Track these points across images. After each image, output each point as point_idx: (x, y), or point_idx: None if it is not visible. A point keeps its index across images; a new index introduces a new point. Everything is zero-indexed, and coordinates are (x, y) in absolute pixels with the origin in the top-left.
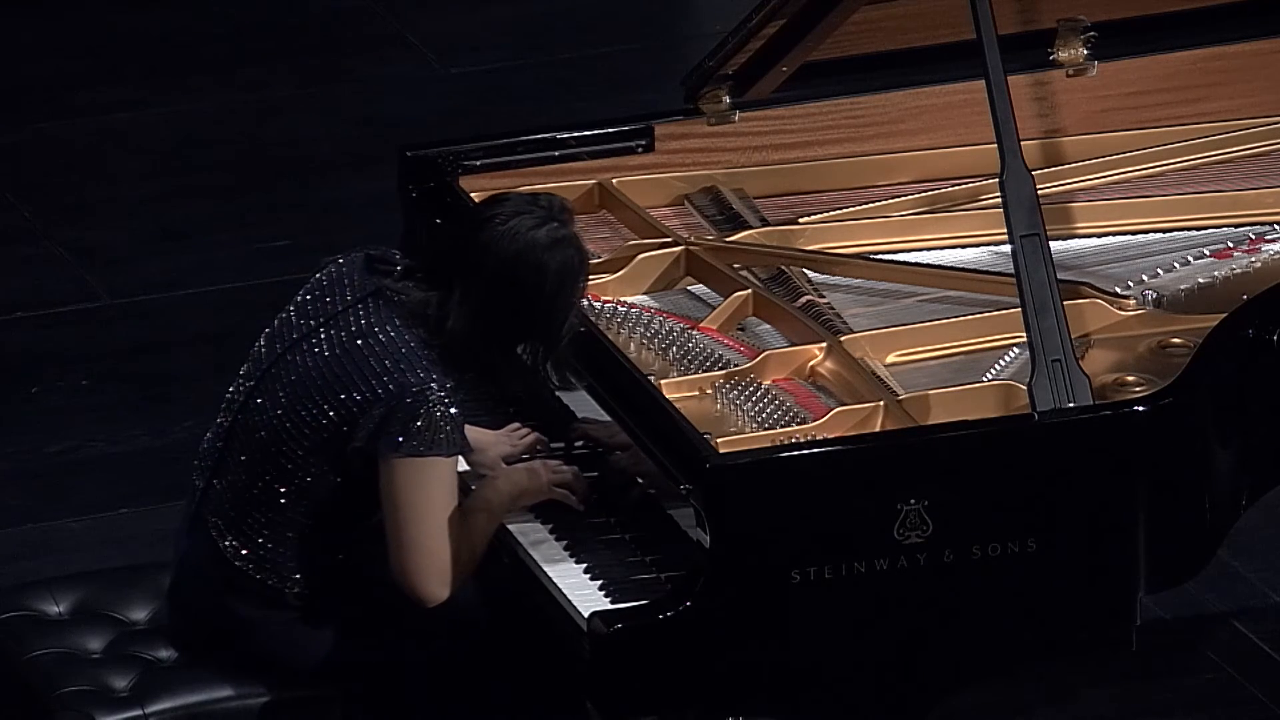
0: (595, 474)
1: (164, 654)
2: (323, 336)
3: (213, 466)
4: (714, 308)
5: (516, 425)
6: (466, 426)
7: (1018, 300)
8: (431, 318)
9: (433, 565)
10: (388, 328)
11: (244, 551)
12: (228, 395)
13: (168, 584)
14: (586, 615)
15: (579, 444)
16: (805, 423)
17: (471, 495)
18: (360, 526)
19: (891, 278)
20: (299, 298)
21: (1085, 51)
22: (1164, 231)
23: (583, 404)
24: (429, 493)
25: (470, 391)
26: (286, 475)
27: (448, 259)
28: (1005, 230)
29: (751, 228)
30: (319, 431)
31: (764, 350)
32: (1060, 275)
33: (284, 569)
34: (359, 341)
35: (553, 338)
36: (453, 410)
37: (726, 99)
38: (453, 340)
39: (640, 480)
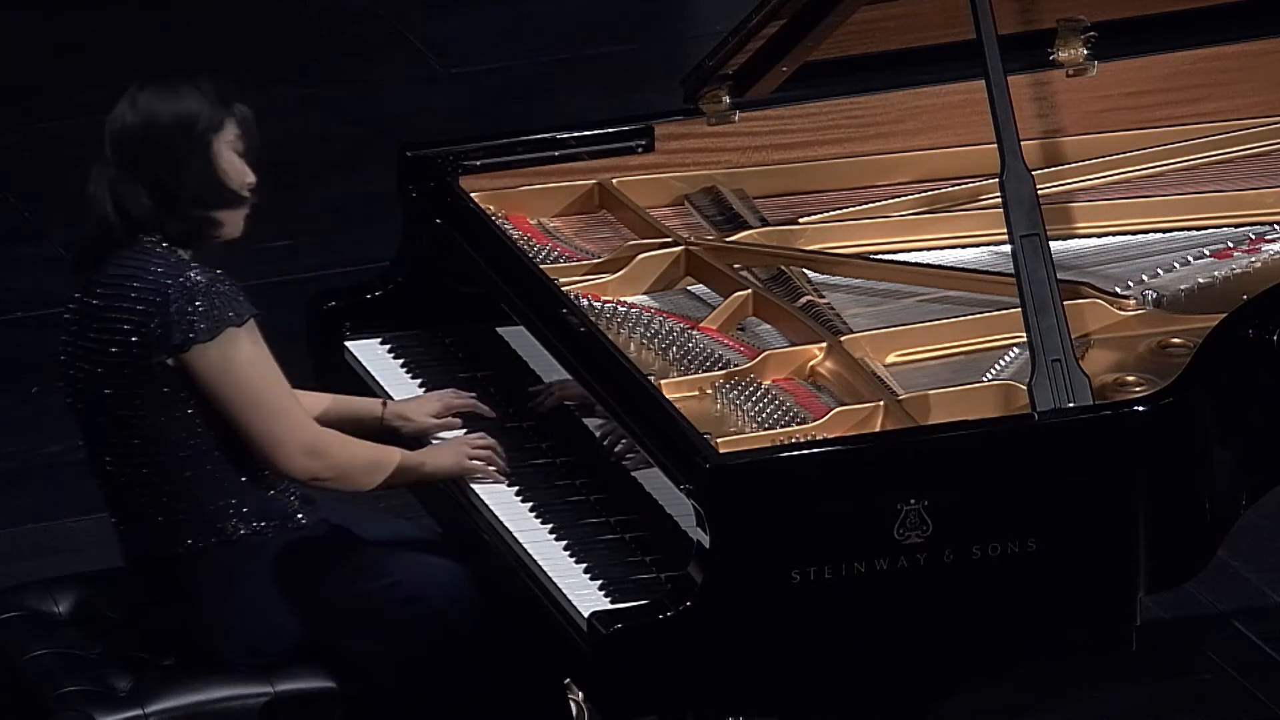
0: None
1: (164, 654)
2: (91, 327)
3: (112, 504)
4: (714, 308)
5: (450, 391)
6: (395, 401)
7: (1018, 300)
8: (119, 220)
9: (282, 433)
10: (120, 264)
11: (163, 528)
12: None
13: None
14: (586, 615)
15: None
16: (805, 423)
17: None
18: (224, 439)
19: (891, 278)
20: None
21: (1085, 51)
22: (1164, 231)
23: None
24: (240, 365)
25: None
26: (131, 435)
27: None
28: (1005, 230)
29: (751, 228)
30: (127, 378)
31: (764, 350)
32: (1060, 275)
33: (204, 518)
34: (115, 293)
35: (207, 169)
36: (217, 280)
37: (726, 99)
38: (154, 223)
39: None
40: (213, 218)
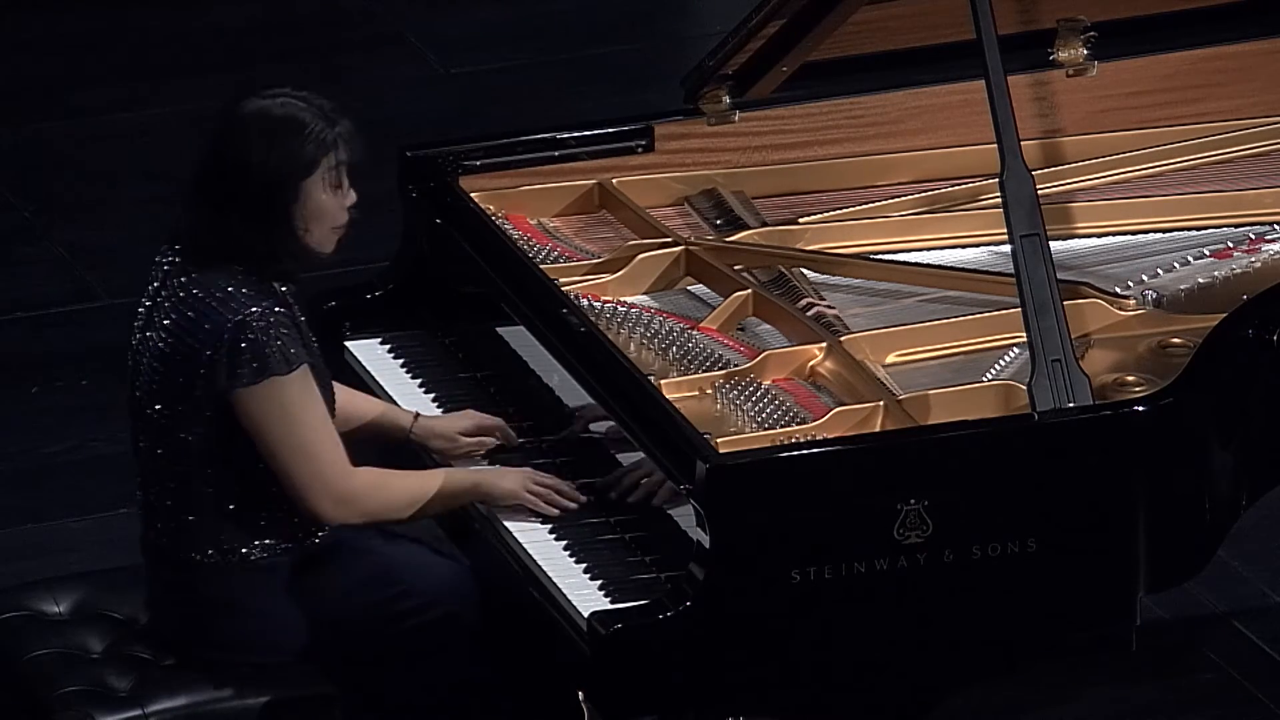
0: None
1: (164, 654)
2: (154, 325)
3: (141, 488)
4: (714, 308)
5: (475, 414)
6: (427, 417)
7: (1018, 300)
8: (195, 242)
9: (316, 484)
10: (194, 278)
11: (181, 534)
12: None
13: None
14: (586, 615)
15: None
16: (805, 423)
17: (439, 470)
18: (252, 464)
19: (891, 278)
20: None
21: (1085, 51)
22: (1164, 231)
23: (569, 389)
24: (284, 414)
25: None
26: (166, 439)
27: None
28: (1005, 230)
29: (751, 228)
30: (171, 389)
31: (764, 350)
32: (1060, 275)
33: (222, 533)
34: (180, 307)
35: (288, 216)
36: (276, 325)
37: (726, 99)
38: (223, 243)
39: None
40: (293, 266)
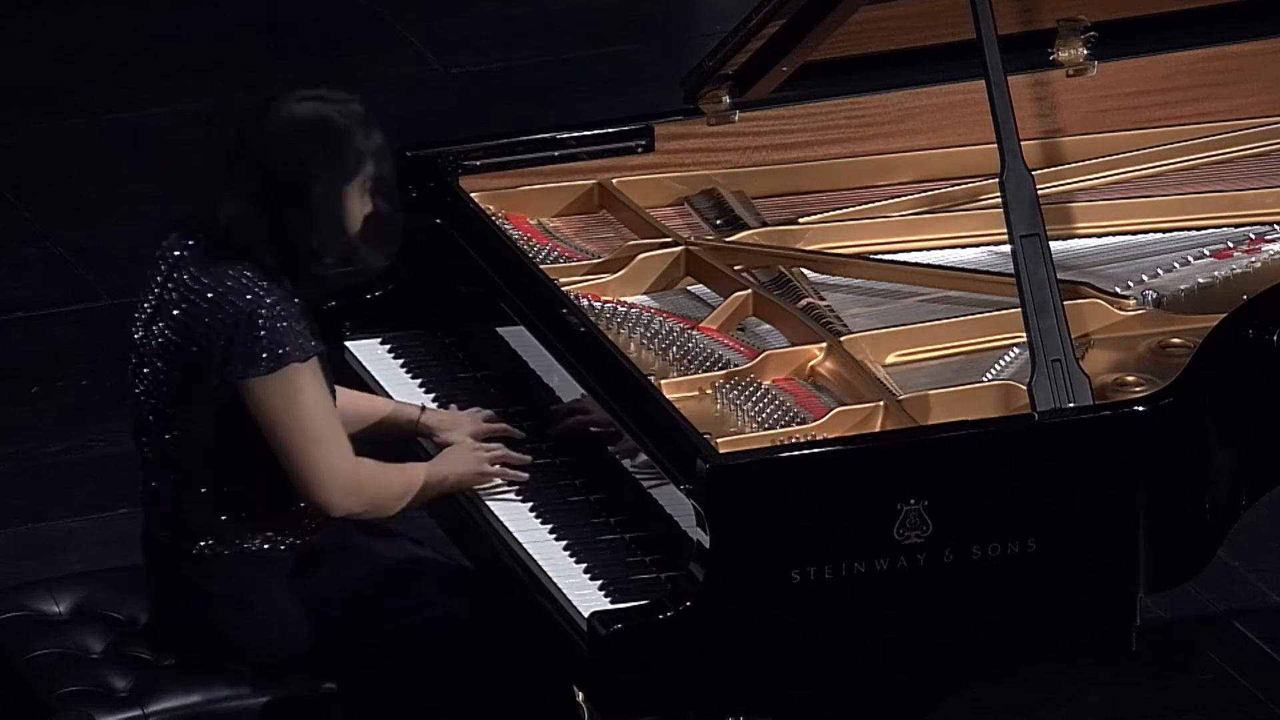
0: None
1: (164, 654)
2: (162, 318)
3: (143, 481)
4: (714, 308)
5: (481, 410)
6: (434, 410)
7: (1018, 300)
8: (225, 233)
9: (327, 473)
10: (207, 269)
11: (182, 524)
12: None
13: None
14: (586, 615)
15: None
16: (805, 423)
17: (419, 464)
18: (255, 456)
19: (891, 278)
20: (143, 294)
21: (1085, 51)
22: (1164, 231)
23: (569, 389)
24: (298, 402)
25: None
26: (170, 428)
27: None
28: (1005, 230)
29: (751, 228)
30: (178, 378)
31: (764, 350)
32: (1060, 275)
33: (223, 523)
34: (191, 297)
35: (334, 217)
36: (292, 314)
37: (726, 99)
38: (250, 243)
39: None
40: (318, 267)
